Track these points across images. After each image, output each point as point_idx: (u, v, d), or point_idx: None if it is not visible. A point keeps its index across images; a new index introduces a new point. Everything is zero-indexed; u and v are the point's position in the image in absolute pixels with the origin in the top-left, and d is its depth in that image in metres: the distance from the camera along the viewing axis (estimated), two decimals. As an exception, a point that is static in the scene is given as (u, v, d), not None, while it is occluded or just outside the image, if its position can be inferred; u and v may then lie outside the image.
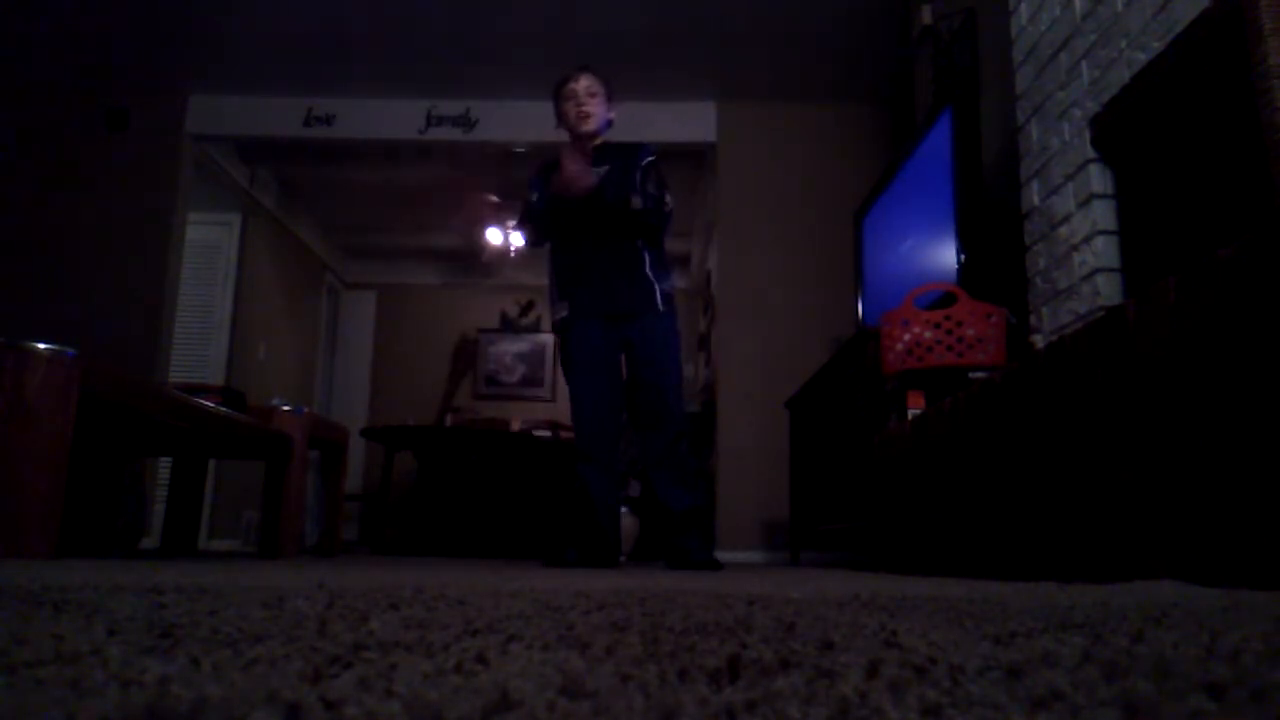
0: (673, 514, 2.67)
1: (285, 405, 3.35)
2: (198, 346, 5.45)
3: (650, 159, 2.85)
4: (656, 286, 2.79)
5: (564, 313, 2.82)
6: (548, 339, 7.30)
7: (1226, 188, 1.71)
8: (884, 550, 2.56)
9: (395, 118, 4.96)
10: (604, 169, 2.75)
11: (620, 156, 2.84)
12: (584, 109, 2.79)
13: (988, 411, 1.82)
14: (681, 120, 4.91)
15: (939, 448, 2.11)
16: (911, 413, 2.41)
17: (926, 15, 3.68)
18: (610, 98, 2.87)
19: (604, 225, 2.76)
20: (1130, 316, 1.31)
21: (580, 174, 2.63)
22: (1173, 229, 1.92)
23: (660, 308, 2.79)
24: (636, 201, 2.74)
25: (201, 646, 0.43)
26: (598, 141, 2.84)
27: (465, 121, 4.96)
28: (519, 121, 4.90)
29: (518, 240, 6.50)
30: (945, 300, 2.47)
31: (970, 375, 2.26)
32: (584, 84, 2.82)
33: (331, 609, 0.66)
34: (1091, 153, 2.19)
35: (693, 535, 2.66)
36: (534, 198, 2.86)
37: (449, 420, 6.53)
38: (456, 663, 0.39)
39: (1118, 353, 1.34)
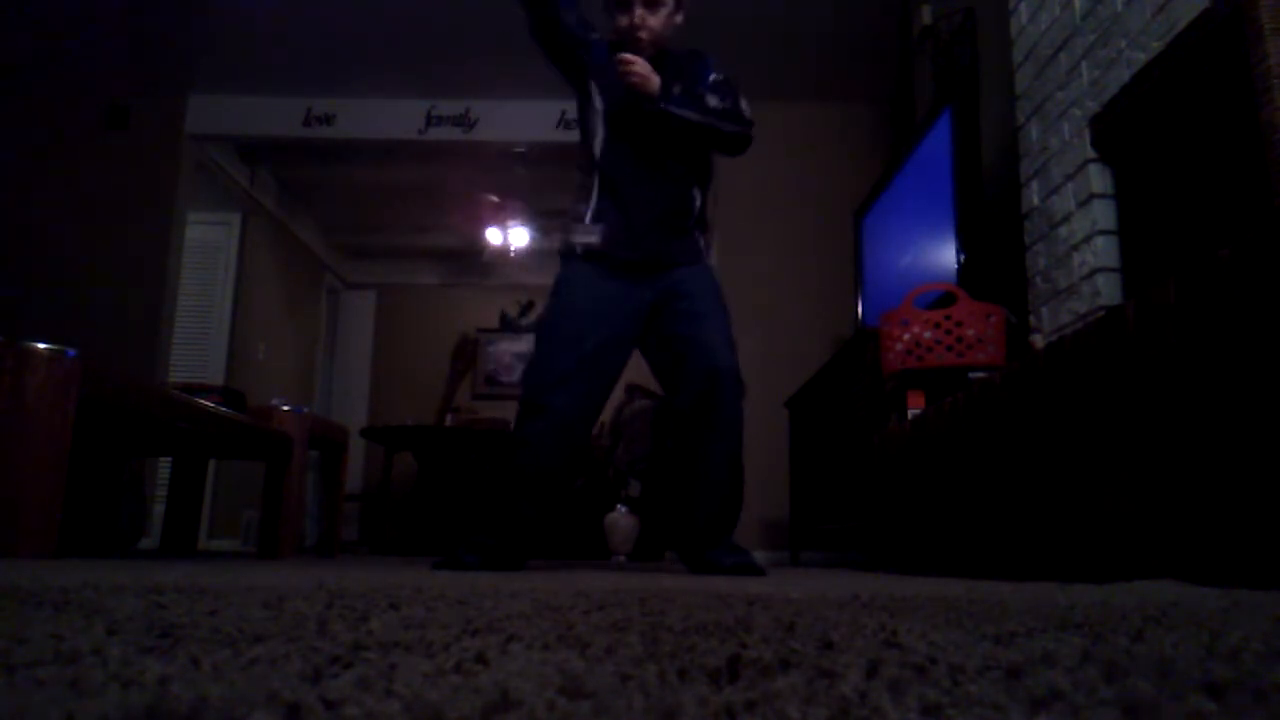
0: (704, 515, 2.14)
1: (285, 405, 3.35)
2: (198, 346, 5.45)
3: (718, 76, 2.30)
4: (700, 236, 2.31)
5: (593, 239, 2.23)
6: (548, 339, 7.28)
7: (1226, 188, 1.71)
8: (884, 550, 2.56)
9: (395, 118, 4.96)
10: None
11: (678, 65, 2.29)
12: (645, 24, 2.24)
13: (988, 412, 1.82)
14: (681, 120, 4.91)
15: (939, 448, 2.11)
16: (911, 413, 2.41)
17: (926, 15, 3.68)
18: (681, 4, 2.32)
19: (666, 147, 2.24)
20: (1130, 316, 1.31)
21: (646, 70, 2.13)
22: (1173, 229, 1.92)
23: (706, 259, 2.32)
24: (713, 100, 2.20)
25: (201, 646, 0.43)
26: (651, 52, 2.28)
27: (465, 121, 4.96)
28: (519, 121, 4.90)
29: (519, 240, 6.50)
30: (945, 300, 2.47)
31: (970, 375, 2.26)
32: None
33: (331, 609, 0.66)
34: (1091, 153, 2.19)
35: (725, 542, 2.14)
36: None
37: (449, 420, 6.53)
38: (456, 663, 0.39)
39: (1118, 353, 1.34)
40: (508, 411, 7.11)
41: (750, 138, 2.29)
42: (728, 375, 2.14)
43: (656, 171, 2.24)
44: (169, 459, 3.95)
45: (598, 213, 2.25)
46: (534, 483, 2.14)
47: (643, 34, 2.25)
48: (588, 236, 2.24)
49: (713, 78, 2.29)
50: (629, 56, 2.13)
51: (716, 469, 2.15)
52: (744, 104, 2.28)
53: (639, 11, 2.24)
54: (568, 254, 2.28)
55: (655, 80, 2.13)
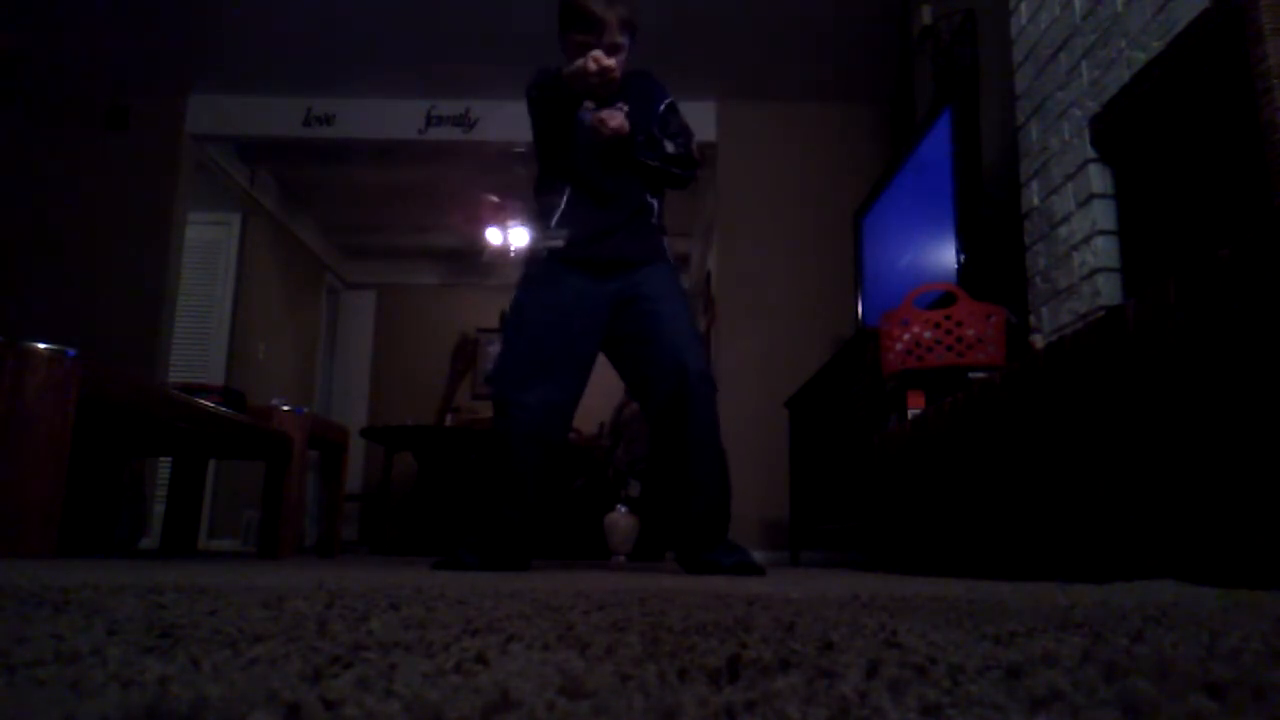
0: (694, 518, 2.13)
1: (285, 405, 3.35)
2: (198, 346, 5.45)
3: (670, 100, 2.36)
4: (662, 237, 2.34)
5: (558, 243, 2.24)
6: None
7: (1226, 188, 1.71)
8: (884, 550, 2.56)
9: (395, 118, 4.96)
10: (624, 108, 2.21)
11: (636, 92, 2.31)
12: (612, 75, 2.08)
13: (987, 412, 1.82)
14: (681, 120, 4.91)
15: (939, 448, 2.11)
16: (911, 413, 2.41)
17: (926, 15, 3.68)
18: (634, 43, 2.29)
19: (629, 165, 2.26)
20: (1130, 316, 1.31)
21: (616, 117, 2.14)
22: (1173, 229, 1.92)
23: (669, 259, 2.33)
24: (670, 146, 2.25)
25: (201, 646, 0.43)
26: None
27: (465, 121, 4.96)
28: (519, 121, 4.84)
29: (519, 240, 6.50)
30: (945, 300, 2.47)
31: (970, 375, 2.26)
32: (617, 20, 2.19)
33: (331, 609, 0.66)
34: (1091, 153, 2.19)
35: (722, 542, 2.14)
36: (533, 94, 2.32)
37: (449, 420, 6.53)
38: (456, 663, 0.39)
39: (1118, 353, 1.34)
40: (508, 411, 7.11)
41: (694, 179, 2.36)
42: (696, 373, 2.14)
43: (620, 177, 2.27)
44: (169, 459, 3.95)
45: (565, 216, 2.27)
46: (511, 482, 2.14)
47: (616, 73, 2.15)
48: (553, 241, 2.26)
49: (664, 105, 2.33)
50: (603, 116, 2.14)
51: (700, 470, 2.14)
52: (694, 144, 2.34)
53: (609, 44, 2.17)
54: (533, 255, 2.31)
55: (627, 127, 2.16)
